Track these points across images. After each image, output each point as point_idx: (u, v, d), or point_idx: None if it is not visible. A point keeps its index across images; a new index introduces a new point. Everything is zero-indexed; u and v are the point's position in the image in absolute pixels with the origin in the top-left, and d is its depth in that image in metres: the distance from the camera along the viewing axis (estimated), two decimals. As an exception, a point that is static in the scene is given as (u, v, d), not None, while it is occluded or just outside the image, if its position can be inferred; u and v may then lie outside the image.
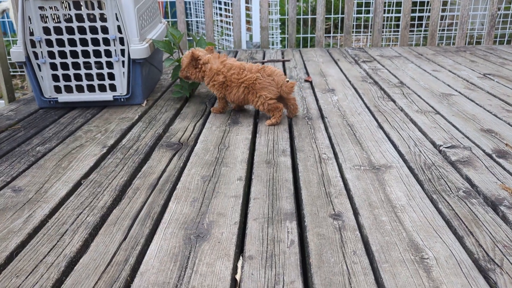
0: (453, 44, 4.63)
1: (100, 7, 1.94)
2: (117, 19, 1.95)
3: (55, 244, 1.03)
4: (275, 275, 0.91)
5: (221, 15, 5.45)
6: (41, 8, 1.91)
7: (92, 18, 1.95)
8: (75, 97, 2.05)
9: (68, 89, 2.06)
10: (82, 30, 1.96)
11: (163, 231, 1.07)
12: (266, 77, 1.79)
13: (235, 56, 3.43)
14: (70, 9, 1.92)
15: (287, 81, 1.82)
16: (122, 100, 2.08)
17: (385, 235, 1.04)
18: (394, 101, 2.12)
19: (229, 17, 5.50)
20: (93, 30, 1.96)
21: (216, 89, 1.89)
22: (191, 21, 5.91)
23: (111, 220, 1.13)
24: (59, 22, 1.94)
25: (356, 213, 1.14)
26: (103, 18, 1.96)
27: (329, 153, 1.53)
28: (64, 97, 2.04)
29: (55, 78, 2.02)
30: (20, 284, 0.90)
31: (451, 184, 1.28)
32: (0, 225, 1.11)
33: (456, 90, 2.28)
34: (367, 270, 0.92)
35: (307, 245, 1.01)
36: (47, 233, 1.08)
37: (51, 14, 1.92)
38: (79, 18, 1.96)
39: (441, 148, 1.54)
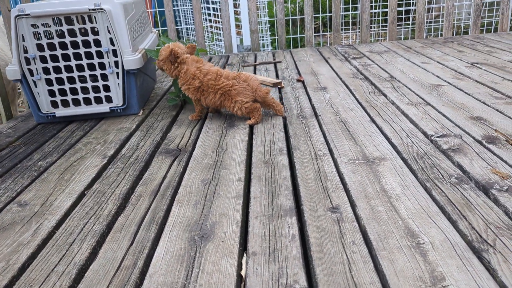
0: (441, 35, 4.70)
1: (91, 21, 1.98)
2: (108, 32, 1.99)
3: (65, 254, 1.06)
4: (279, 269, 0.95)
5: (210, 20, 5.50)
6: (33, 25, 1.94)
7: (84, 32, 1.99)
8: (72, 110, 2.08)
9: (65, 104, 2.09)
10: (75, 45, 2.00)
11: (168, 235, 1.11)
12: (242, 82, 1.86)
13: (227, 61, 3.47)
14: (62, 25, 1.96)
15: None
16: (118, 111, 2.12)
17: (382, 224, 1.08)
18: (385, 95, 2.17)
19: (219, 22, 5.55)
20: (86, 43, 2.00)
21: (191, 92, 1.94)
22: (181, 28, 5.96)
23: (117, 227, 1.17)
24: (52, 38, 1.98)
25: (353, 205, 1.18)
26: (95, 32, 2.00)
27: (324, 149, 1.57)
28: (61, 112, 2.08)
29: (51, 93, 2.06)
30: (34, 293, 0.94)
31: (443, 171, 1.32)
32: (10, 239, 1.14)
33: (445, 81, 2.33)
34: (366, 258, 0.96)
35: (307, 239, 1.05)
36: (56, 243, 1.11)
37: (43, 31, 1.96)
38: (71, 33, 2.00)
39: (432, 137, 1.58)
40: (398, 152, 1.49)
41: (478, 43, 3.31)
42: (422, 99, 2.05)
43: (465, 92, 2.09)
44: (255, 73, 2.93)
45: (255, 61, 3.37)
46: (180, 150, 1.67)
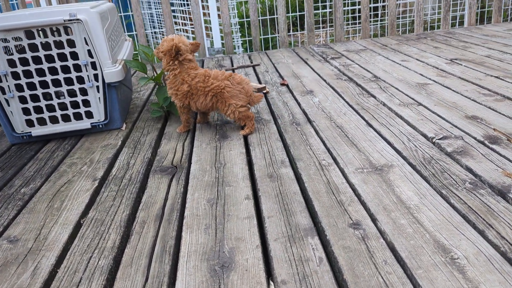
0: (410, 31, 4.76)
1: (67, 33, 1.85)
2: (86, 44, 1.86)
3: (73, 297, 0.97)
4: (314, 298, 0.89)
5: (177, 23, 5.37)
6: (3, 40, 1.80)
7: (59, 45, 1.86)
8: (50, 129, 1.95)
9: (42, 122, 1.95)
10: (50, 59, 1.86)
11: (184, 266, 1.03)
12: (236, 85, 1.78)
13: (202, 65, 3.38)
14: (35, 38, 1.82)
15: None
16: (100, 126, 2.00)
17: (409, 239, 1.04)
18: (374, 97, 2.15)
19: (186, 25, 5.42)
20: (62, 57, 1.87)
21: (178, 99, 1.83)
22: (147, 32, 5.79)
23: (126, 261, 1.07)
24: (25, 52, 1.83)
25: (373, 219, 1.14)
26: (71, 44, 1.87)
27: (327, 158, 1.52)
28: (38, 131, 1.94)
29: (26, 111, 1.91)
30: None
31: (455, 176, 1.30)
32: (6, 283, 1.03)
33: (430, 79, 2.34)
34: (403, 279, 0.92)
35: (335, 261, 1.00)
36: (61, 285, 1.01)
37: (15, 45, 1.81)
38: (46, 46, 1.86)
39: (434, 140, 1.56)
40: (404, 158, 1.46)
41: (451, 38, 3.36)
42: (413, 99, 2.04)
43: (453, 90, 2.10)
44: (235, 78, 2.85)
45: (232, 65, 3.30)
46: (176, 167, 1.58)
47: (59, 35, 1.86)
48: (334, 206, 1.21)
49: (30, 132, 1.93)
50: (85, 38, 1.86)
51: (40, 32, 1.85)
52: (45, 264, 1.09)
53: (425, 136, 1.62)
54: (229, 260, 1.03)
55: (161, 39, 5.75)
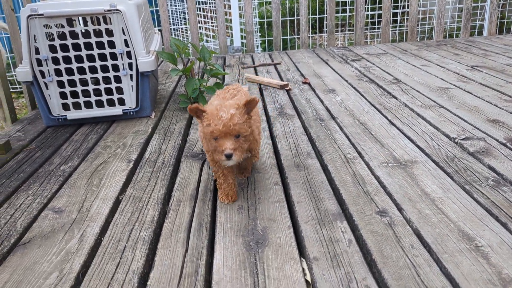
0: (427, 38, 4.81)
1: (106, 22, 1.93)
2: (123, 33, 1.95)
3: (119, 262, 1.04)
4: (345, 274, 0.96)
5: (199, 21, 5.45)
6: (46, 26, 1.89)
7: (98, 33, 1.94)
8: (85, 113, 2.03)
9: (76, 106, 2.04)
10: (88, 46, 1.95)
11: (221, 240, 1.10)
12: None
13: (224, 62, 3.46)
14: (76, 26, 1.91)
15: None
16: (131, 113, 2.08)
17: (435, 227, 1.10)
18: (396, 98, 2.20)
19: (207, 22, 5.51)
20: (100, 45, 1.95)
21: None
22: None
23: (166, 234, 1.15)
24: (65, 39, 1.92)
25: (399, 209, 1.20)
26: (109, 33, 1.96)
27: (352, 152, 1.58)
28: (73, 114, 2.02)
29: (63, 95, 2.00)
30: (99, 305, 0.91)
31: (478, 174, 1.36)
32: (56, 246, 1.11)
33: (451, 84, 2.39)
34: (429, 262, 0.98)
35: (364, 243, 1.06)
36: (107, 251, 1.08)
37: (56, 31, 1.90)
38: (86, 34, 1.95)
39: (456, 140, 1.62)
40: (427, 155, 1.52)
41: (471, 46, 3.41)
42: (434, 101, 2.10)
43: (474, 95, 2.15)
44: (256, 75, 2.93)
45: (253, 63, 3.37)
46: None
47: (99, 24, 1.94)
48: (361, 195, 1.28)
49: (66, 115, 2.02)
50: (122, 28, 1.94)
51: (81, 20, 1.94)
52: (90, 232, 1.16)
53: (447, 136, 1.68)
54: (262, 237, 1.10)
55: (176, 35, 5.82)
